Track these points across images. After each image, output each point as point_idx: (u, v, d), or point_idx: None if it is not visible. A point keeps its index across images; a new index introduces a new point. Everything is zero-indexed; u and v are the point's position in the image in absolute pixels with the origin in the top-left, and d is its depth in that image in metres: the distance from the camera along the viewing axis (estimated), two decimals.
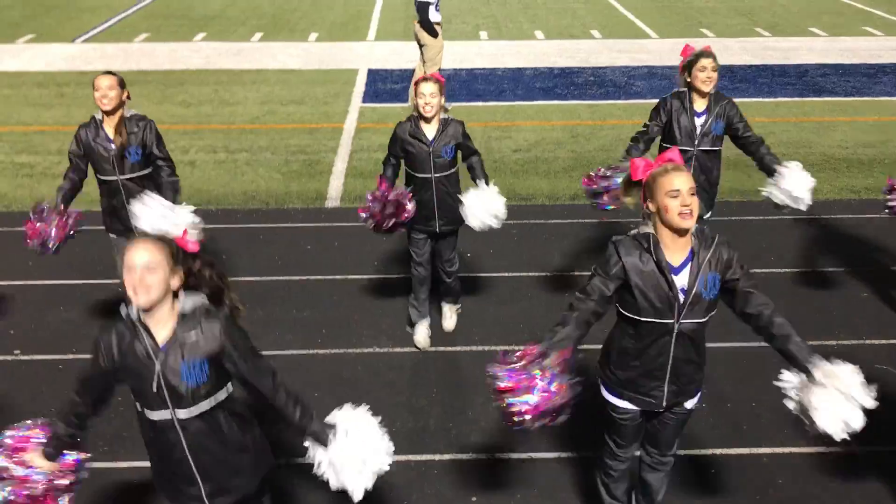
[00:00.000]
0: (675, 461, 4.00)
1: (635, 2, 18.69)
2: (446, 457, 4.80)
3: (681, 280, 3.43)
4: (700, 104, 5.60)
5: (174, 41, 15.27)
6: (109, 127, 5.38)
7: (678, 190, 3.30)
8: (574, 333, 3.46)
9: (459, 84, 12.59)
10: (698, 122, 5.57)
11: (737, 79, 12.73)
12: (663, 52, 14.48)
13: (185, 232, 3.06)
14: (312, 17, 17.45)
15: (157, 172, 5.49)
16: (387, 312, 6.28)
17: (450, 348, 5.84)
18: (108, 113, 5.34)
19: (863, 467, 4.68)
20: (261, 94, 12.05)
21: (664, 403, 3.66)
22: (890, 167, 9.20)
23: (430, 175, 5.44)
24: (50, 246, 5.27)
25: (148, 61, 13.86)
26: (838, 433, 3.44)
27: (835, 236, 7.53)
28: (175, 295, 3.02)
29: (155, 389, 3.00)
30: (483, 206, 5.49)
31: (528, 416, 3.28)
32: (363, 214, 5.51)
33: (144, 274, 2.89)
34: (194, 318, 3.01)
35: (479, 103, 11.71)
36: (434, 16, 10.85)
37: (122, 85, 5.41)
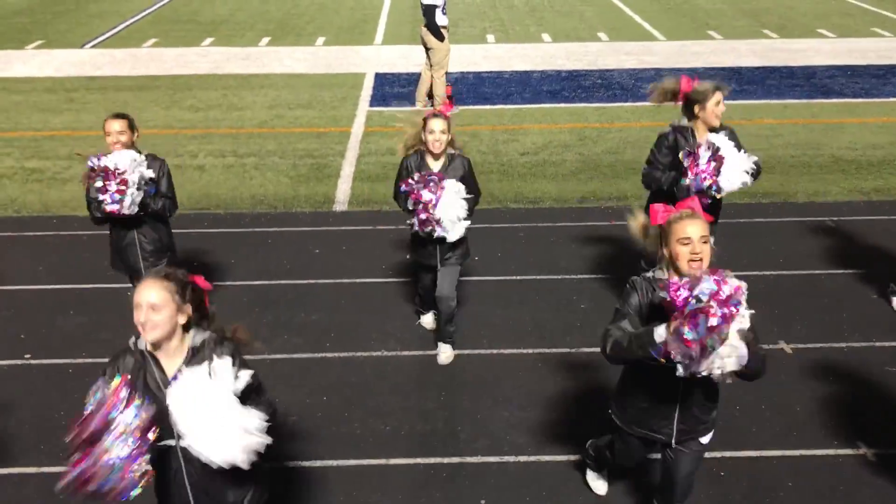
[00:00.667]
0: None
1: (642, 4, 18.68)
2: (455, 460, 4.80)
3: None
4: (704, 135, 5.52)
5: (182, 46, 15.33)
6: None
7: (689, 238, 3.35)
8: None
9: (467, 87, 12.60)
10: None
11: (744, 81, 12.70)
12: (670, 54, 14.46)
13: (198, 277, 3.12)
14: (320, 21, 17.50)
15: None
16: (395, 316, 6.29)
17: (458, 351, 5.84)
18: None
19: (872, 469, 4.66)
20: (269, 99, 12.09)
21: (673, 440, 3.72)
22: None
23: None
24: None
25: (156, 66, 13.91)
26: None
27: (844, 238, 7.50)
28: (186, 328, 3.09)
29: (162, 420, 3.02)
30: None
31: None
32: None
33: (150, 313, 2.98)
34: (203, 353, 3.08)
35: (487, 106, 11.72)
36: (441, 19, 10.87)
37: (132, 127, 5.31)
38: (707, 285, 3.08)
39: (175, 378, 3.04)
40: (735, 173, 5.29)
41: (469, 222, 5.39)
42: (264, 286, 6.75)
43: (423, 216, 5.23)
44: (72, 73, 13.51)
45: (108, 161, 5.07)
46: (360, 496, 4.53)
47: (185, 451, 3.09)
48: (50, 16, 17.93)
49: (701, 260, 3.36)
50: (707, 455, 4.71)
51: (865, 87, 12.49)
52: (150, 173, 5.21)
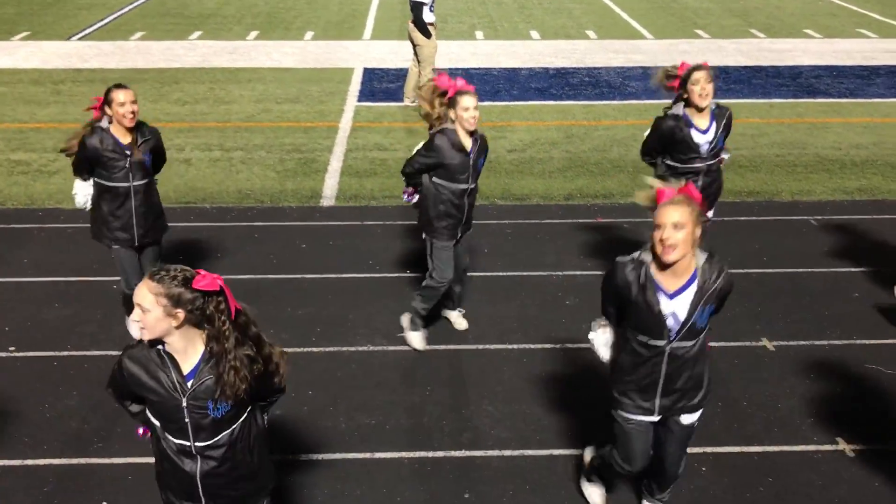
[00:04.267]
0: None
1: (630, 2, 18.73)
2: (439, 454, 4.83)
3: (675, 305, 3.53)
4: (702, 121, 5.63)
5: (170, 39, 15.26)
6: (120, 134, 5.38)
7: (662, 223, 3.39)
8: None
9: None
10: (704, 138, 5.62)
11: (731, 80, 12.77)
12: (658, 52, 14.52)
13: (204, 275, 2.99)
14: (308, 15, 17.46)
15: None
16: (381, 311, 6.30)
17: (444, 346, 5.87)
18: (130, 128, 5.37)
19: (850, 465, 4.72)
20: (256, 93, 12.06)
21: (656, 415, 3.78)
22: (882, 169, 9.26)
23: (467, 186, 5.47)
24: None
25: (143, 59, 13.85)
26: None
27: (827, 237, 7.58)
28: (199, 326, 2.99)
29: (178, 420, 3.05)
30: None
31: None
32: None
33: (142, 314, 2.94)
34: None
35: None
36: (428, 16, 10.87)
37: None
38: None
39: (191, 376, 3.00)
40: None
41: None
42: (251, 280, 6.75)
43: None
44: (58, 65, 13.43)
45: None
46: (345, 490, 4.55)
47: (200, 448, 3.10)
48: (37, 7, 17.80)
49: (671, 247, 3.37)
50: (689, 450, 4.77)
51: (850, 87, 12.59)
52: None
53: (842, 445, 4.88)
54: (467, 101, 5.24)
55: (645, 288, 3.52)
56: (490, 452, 4.84)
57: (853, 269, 6.95)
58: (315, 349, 5.84)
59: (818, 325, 6.16)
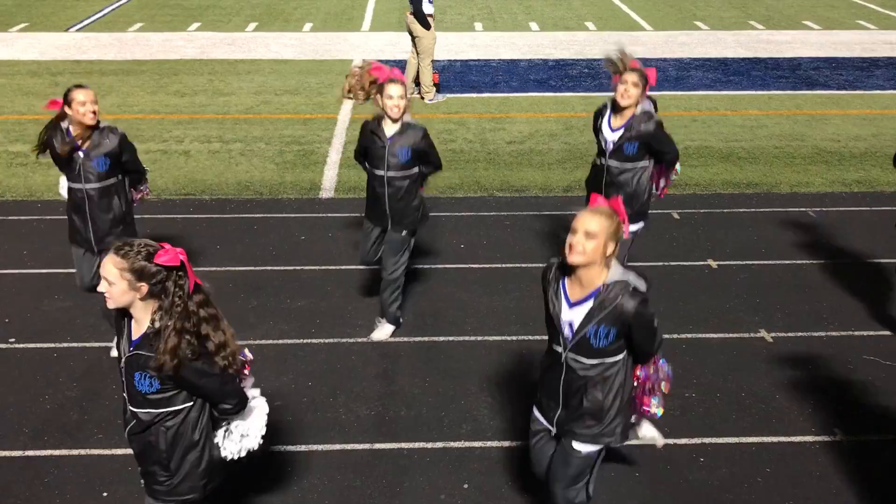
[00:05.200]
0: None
1: None
2: (438, 445, 4.85)
3: (573, 315, 3.48)
4: (616, 120, 5.68)
5: (169, 31, 15.23)
6: (77, 135, 5.21)
7: (575, 228, 3.36)
8: None
9: (453, 75, 12.60)
10: (612, 136, 5.65)
11: (730, 71, 12.76)
12: (657, 44, 14.50)
13: (167, 249, 3.13)
14: (307, 7, 17.42)
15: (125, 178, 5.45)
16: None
17: (442, 338, 5.89)
18: (89, 126, 5.19)
19: (847, 456, 4.75)
20: (255, 85, 12.05)
21: (554, 427, 3.69)
22: (881, 161, 9.26)
23: (383, 173, 5.58)
24: None
25: (142, 51, 13.83)
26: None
27: (825, 229, 7.59)
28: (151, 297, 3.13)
29: (124, 383, 3.26)
30: None
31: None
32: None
33: (108, 286, 3.10)
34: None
35: (474, 95, 11.73)
36: (427, 8, 10.85)
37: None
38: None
39: (134, 343, 3.17)
40: None
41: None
42: (250, 272, 6.76)
43: None
44: (57, 57, 13.41)
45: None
46: (344, 480, 4.57)
47: (131, 412, 3.28)
48: None
49: (574, 251, 3.34)
50: (687, 441, 4.81)
51: (849, 79, 12.58)
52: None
53: (839, 436, 4.90)
54: (391, 90, 5.35)
55: (556, 290, 3.53)
56: (489, 443, 4.86)
57: (851, 261, 6.97)
58: (314, 340, 5.86)
59: (816, 316, 6.17)
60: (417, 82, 11.34)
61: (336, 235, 7.44)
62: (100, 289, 3.15)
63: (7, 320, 6.08)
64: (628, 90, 5.46)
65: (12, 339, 5.85)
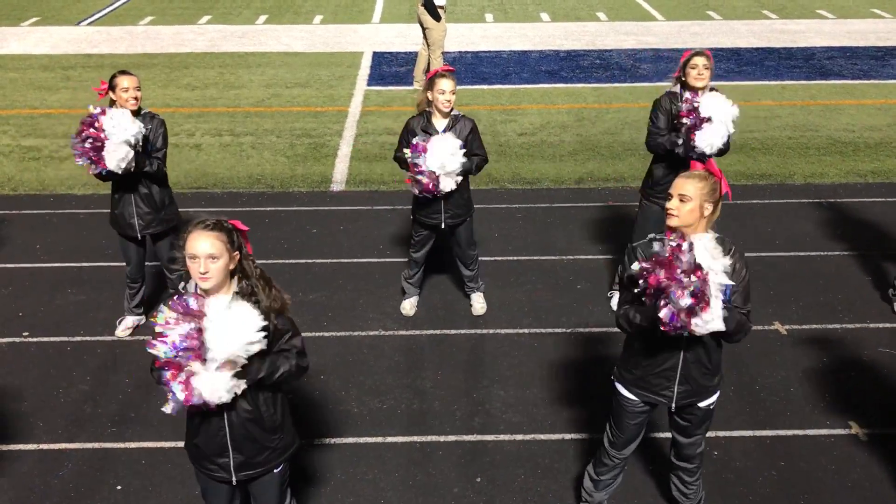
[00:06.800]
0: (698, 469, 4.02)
1: None
2: (451, 438, 4.84)
3: None
4: None
5: (179, 24, 15.24)
6: None
7: (670, 194, 3.52)
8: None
9: (464, 67, 12.55)
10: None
11: (743, 62, 12.66)
12: (669, 34, 14.40)
13: (235, 221, 3.29)
14: None
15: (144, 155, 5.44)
16: (392, 295, 6.31)
17: (454, 331, 5.87)
18: (133, 112, 5.32)
19: (863, 449, 4.71)
20: (266, 77, 12.04)
21: (674, 404, 3.75)
22: None
23: None
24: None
25: (153, 44, 13.84)
26: None
27: (840, 220, 7.52)
28: (232, 275, 3.25)
29: None
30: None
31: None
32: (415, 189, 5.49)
33: (209, 262, 3.13)
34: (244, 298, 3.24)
35: (485, 86, 11.68)
36: None
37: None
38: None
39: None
40: (712, 137, 5.38)
41: (459, 179, 5.47)
42: (262, 265, 6.73)
43: (421, 178, 5.35)
44: (68, 51, 13.43)
45: (105, 119, 5.12)
46: (357, 473, 4.57)
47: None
48: None
49: (674, 216, 3.47)
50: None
51: (864, 68, 12.46)
52: (140, 132, 5.22)
53: (854, 430, 4.87)
54: (442, 84, 5.34)
55: None
56: (501, 437, 4.85)
57: (866, 253, 6.91)
58: (326, 334, 5.85)
59: (831, 308, 6.12)
60: None
61: (347, 228, 7.43)
62: (201, 270, 3.12)
63: (21, 314, 6.11)
64: (696, 71, 5.47)
65: (26, 333, 5.88)
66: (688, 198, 3.46)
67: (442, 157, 5.29)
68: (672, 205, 3.49)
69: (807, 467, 4.59)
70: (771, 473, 4.56)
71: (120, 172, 5.22)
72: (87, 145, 5.11)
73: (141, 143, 5.30)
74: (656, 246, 3.39)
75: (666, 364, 3.67)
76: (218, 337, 3.05)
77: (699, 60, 5.54)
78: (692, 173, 3.54)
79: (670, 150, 5.52)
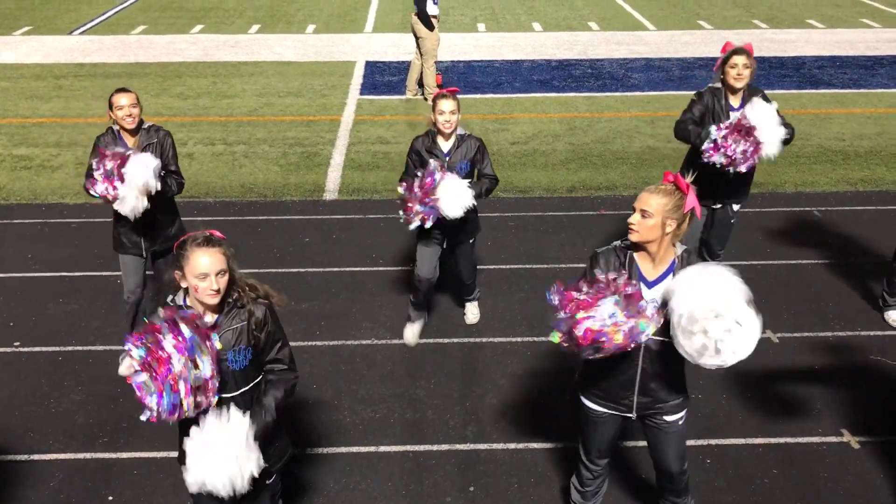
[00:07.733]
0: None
1: None
2: (444, 447, 4.83)
3: (653, 294, 3.48)
4: (734, 100, 5.68)
5: (171, 33, 15.25)
6: (126, 137, 5.17)
7: (633, 206, 3.46)
8: None
9: (457, 76, 12.58)
10: (733, 116, 5.64)
11: None
12: (661, 44, 14.48)
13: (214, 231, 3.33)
14: (310, 8, 17.43)
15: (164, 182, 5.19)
16: (385, 304, 6.31)
17: (447, 340, 5.88)
18: (130, 131, 5.15)
19: (855, 457, 4.72)
20: (258, 87, 12.05)
21: (634, 412, 3.70)
22: (886, 159, 9.23)
23: None
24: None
25: (145, 54, 13.84)
26: None
27: (830, 228, 7.56)
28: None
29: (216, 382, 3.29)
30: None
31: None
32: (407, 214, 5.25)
33: (221, 279, 3.21)
34: (240, 304, 3.36)
35: (477, 96, 11.72)
36: (431, 9, 10.84)
37: (138, 100, 5.17)
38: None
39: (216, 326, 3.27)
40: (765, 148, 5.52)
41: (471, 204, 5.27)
42: (254, 274, 6.69)
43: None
44: (60, 60, 13.42)
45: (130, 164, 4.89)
46: (350, 483, 4.56)
47: (226, 400, 3.29)
48: (38, 1, 17.79)
49: (634, 231, 3.43)
50: (692, 443, 4.78)
51: (854, 77, 12.55)
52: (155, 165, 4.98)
53: (847, 437, 4.88)
54: (442, 105, 5.33)
55: (630, 276, 3.48)
56: (494, 445, 4.85)
57: (857, 261, 6.94)
58: (319, 343, 5.85)
59: (822, 316, 6.15)
60: (421, 84, 11.34)
61: (340, 237, 7.43)
62: (212, 287, 3.16)
63: (12, 324, 6.08)
64: (736, 70, 5.48)
65: (17, 343, 5.85)
66: (649, 213, 3.39)
67: (457, 204, 5.11)
68: (633, 220, 3.42)
69: (799, 475, 4.60)
70: (763, 482, 4.57)
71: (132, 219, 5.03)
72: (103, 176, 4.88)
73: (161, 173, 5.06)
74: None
75: (625, 376, 3.62)
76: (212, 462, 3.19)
77: (739, 59, 5.41)
78: (657, 188, 3.45)
79: (693, 142, 5.51)
